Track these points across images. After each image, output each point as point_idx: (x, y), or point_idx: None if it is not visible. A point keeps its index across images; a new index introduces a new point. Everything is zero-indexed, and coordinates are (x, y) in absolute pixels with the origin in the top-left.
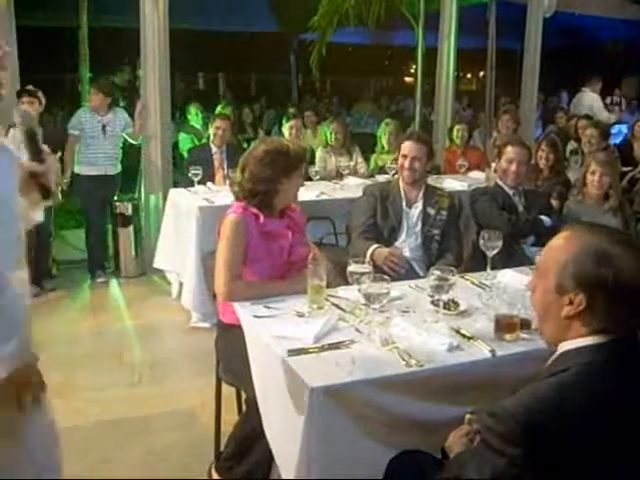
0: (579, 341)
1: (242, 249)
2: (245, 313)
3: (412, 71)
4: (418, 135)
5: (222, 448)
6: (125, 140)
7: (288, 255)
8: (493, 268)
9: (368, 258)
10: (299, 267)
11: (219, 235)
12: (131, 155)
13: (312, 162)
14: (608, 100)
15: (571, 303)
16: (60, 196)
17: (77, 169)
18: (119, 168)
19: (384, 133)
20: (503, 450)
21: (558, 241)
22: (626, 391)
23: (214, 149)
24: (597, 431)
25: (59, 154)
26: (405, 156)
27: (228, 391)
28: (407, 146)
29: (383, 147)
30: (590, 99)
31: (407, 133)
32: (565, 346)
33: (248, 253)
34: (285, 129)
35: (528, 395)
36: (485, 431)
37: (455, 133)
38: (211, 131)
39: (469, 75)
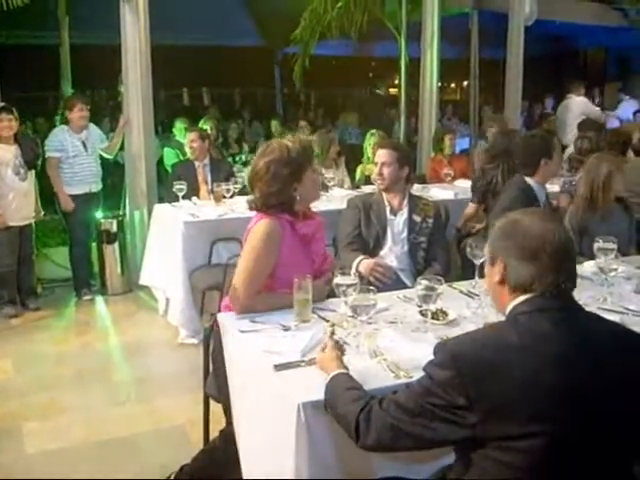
0: (512, 303)
1: (272, 260)
2: (230, 328)
3: (397, 82)
4: (388, 142)
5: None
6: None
7: (322, 259)
8: (481, 276)
9: (354, 270)
10: (324, 277)
11: (245, 241)
12: (115, 171)
13: None
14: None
15: (498, 271)
16: (42, 212)
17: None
18: (101, 185)
19: (369, 144)
20: (437, 376)
21: None
22: (547, 337)
23: (197, 163)
24: (521, 364)
25: (34, 171)
26: (376, 163)
27: (217, 407)
28: (377, 154)
29: (369, 157)
30: (577, 104)
31: (378, 142)
32: (507, 311)
33: (282, 259)
34: None
35: (467, 335)
36: (426, 364)
37: (448, 143)
38: (186, 146)
39: (453, 85)
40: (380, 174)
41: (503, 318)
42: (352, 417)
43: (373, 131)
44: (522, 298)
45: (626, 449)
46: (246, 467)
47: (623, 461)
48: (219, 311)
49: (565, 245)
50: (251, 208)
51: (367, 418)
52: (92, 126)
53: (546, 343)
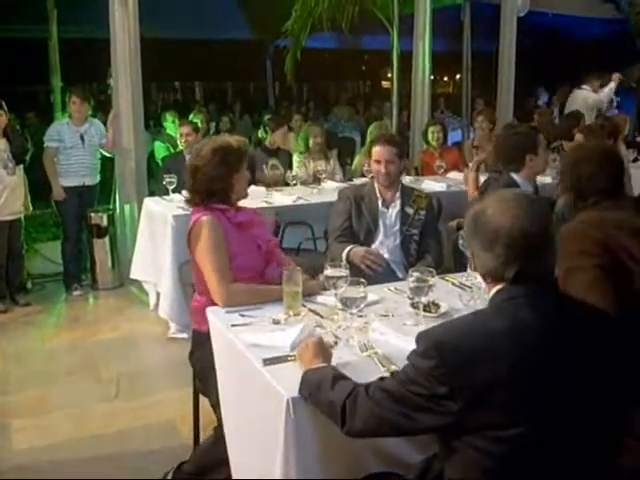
0: (492, 291)
1: (225, 250)
2: (219, 323)
3: (389, 75)
4: (386, 137)
5: None
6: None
7: (265, 245)
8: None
9: (344, 259)
10: (275, 260)
11: (190, 244)
12: (106, 165)
13: (291, 166)
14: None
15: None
16: (31, 207)
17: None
18: (98, 179)
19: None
20: (419, 365)
21: None
22: (528, 323)
23: (188, 157)
24: (503, 349)
25: (22, 166)
26: (378, 161)
27: (207, 402)
28: (378, 151)
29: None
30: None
31: (376, 137)
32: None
33: (231, 249)
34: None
35: (448, 323)
36: (410, 353)
37: (430, 135)
38: (179, 140)
39: (445, 78)
40: (387, 172)
41: None
42: (339, 402)
43: (377, 123)
44: (499, 286)
45: (604, 433)
46: (234, 463)
47: (602, 447)
48: (192, 309)
49: (526, 232)
50: (193, 204)
51: (353, 404)
52: (95, 121)
53: (527, 330)
